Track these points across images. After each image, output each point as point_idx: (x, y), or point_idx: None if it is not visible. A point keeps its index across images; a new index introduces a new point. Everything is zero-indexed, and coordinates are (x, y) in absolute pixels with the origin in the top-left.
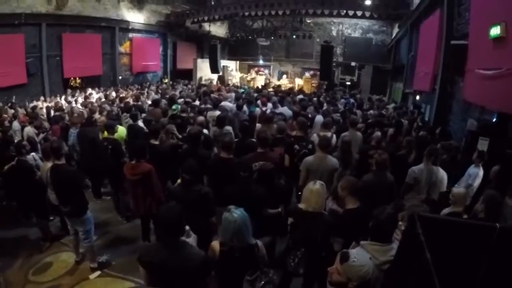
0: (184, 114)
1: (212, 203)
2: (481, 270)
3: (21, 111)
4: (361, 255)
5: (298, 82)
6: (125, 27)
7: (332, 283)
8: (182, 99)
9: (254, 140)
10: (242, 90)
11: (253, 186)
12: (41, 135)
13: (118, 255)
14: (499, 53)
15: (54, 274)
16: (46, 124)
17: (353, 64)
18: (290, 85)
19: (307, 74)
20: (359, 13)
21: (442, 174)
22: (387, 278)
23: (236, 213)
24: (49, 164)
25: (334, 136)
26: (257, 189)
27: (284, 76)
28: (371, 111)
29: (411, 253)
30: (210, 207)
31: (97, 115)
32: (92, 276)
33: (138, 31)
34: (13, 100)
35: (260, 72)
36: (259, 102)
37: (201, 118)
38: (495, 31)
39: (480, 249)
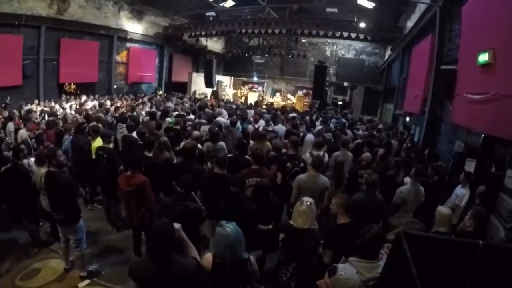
0: (177, 127)
1: (199, 221)
2: (467, 286)
3: (16, 113)
4: (348, 269)
5: (291, 98)
6: (123, 36)
7: None
8: (176, 112)
9: (247, 157)
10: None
11: (245, 201)
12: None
13: (108, 265)
14: (487, 78)
15: (42, 281)
16: (43, 125)
17: (345, 84)
18: (283, 103)
19: (300, 93)
20: (353, 35)
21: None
22: None
23: (229, 227)
24: (43, 170)
25: (326, 155)
26: (248, 205)
27: (278, 94)
28: (360, 132)
29: (398, 268)
30: (196, 225)
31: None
32: (81, 284)
33: (136, 41)
34: (7, 101)
35: (254, 89)
36: (251, 119)
37: (196, 132)
38: (483, 57)
39: (464, 265)
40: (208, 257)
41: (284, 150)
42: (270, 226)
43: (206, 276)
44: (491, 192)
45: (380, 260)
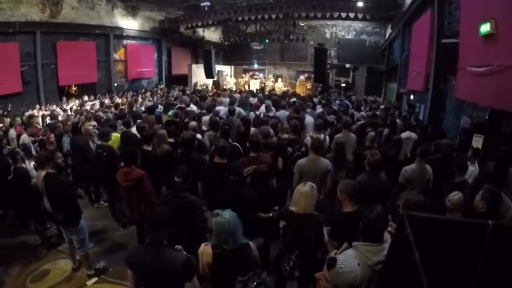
0: (177, 119)
1: (199, 211)
2: (477, 268)
3: (18, 120)
4: (348, 261)
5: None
6: (119, 34)
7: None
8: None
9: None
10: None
11: (244, 190)
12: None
13: (115, 262)
14: (490, 50)
15: (51, 282)
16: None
17: (347, 65)
18: (285, 89)
19: (301, 77)
20: (351, 15)
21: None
22: (380, 279)
23: (226, 215)
24: (44, 173)
25: (327, 137)
26: (248, 193)
27: (280, 79)
28: (363, 113)
29: (401, 254)
30: (197, 215)
31: (93, 123)
32: (89, 282)
33: (133, 37)
34: (9, 109)
35: (255, 76)
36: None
37: (193, 123)
38: (485, 28)
39: (474, 247)
40: (207, 249)
41: (285, 135)
42: (271, 214)
43: (195, 269)
44: (500, 168)
45: (386, 242)
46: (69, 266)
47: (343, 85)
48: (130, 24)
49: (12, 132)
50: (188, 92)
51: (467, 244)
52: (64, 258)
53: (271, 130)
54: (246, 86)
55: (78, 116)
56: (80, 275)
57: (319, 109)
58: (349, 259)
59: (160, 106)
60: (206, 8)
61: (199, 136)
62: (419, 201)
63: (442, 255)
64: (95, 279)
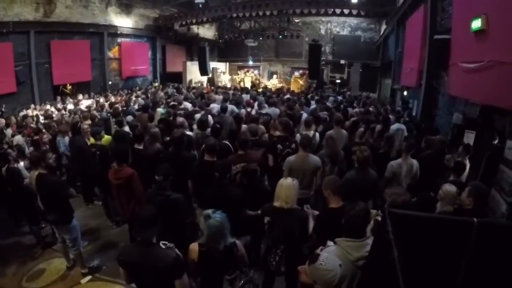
0: (170, 118)
1: (183, 209)
2: (462, 266)
3: (13, 119)
4: (330, 260)
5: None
6: (113, 32)
7: (301, 283)
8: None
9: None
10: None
11: (231, 187)
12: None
13: (109, 260)
14: (481, 45)
15: (47, 280)
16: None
17: (342, 62)
18: (280, 85)
19: (296, 74)
20: (346, 11)
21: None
22: (362, 276)
23: (218, 217)
24: (37, 173)
25: (317, 134)
26: (234, 191)
27: (274, 76)
28: (356, 109)
29: (381, 252)
30: (180, 214)
31: (88, 122)
32: (84, 281)
33: (127, 35)
34: (3, 109)
35: (250, 73)
36: (245, 103)
37: (180, 119)
38: (476, 24)
39: (458, 245)
40: (194, 247)
41: (277, 133)
42: (260, 212)
43: (184, 266)
44: (491, 164)
45: (369, 238)
46: (64, 265)
47: (338, 81)
48: (124, 22)
49: (9, 131)
50: (183, 90)
51: (452, 242)
52: (59, 257)
53: (261, 127)
54: (242, 83)
55: (72, 115)
56: (75, 273)
57: (313, 106)
58: (332, 258)
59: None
60: (200, 5)
61: (189, 132)
62: (405, 202)
63: (426, 253)
64: (89, 277)
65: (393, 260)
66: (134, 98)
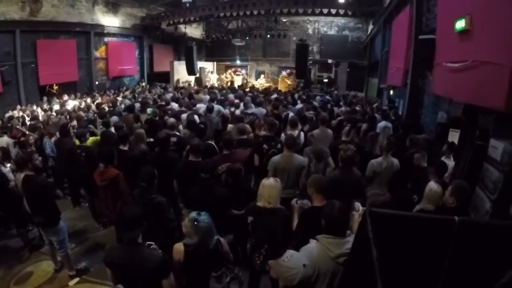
0: (156, 118)
1: (166, 212)
2: (443, 265)
3: None
4: (294, 258)
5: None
6: (100, 31)
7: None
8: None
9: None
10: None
11: (215, 187)
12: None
13: (96, 261)
14: (465, 45)
15: (35, 283)
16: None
17: (330, 61)
18: (267, 85)
19: (284, 73)
20: (333, 11)
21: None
22: (343, 274)
23: (205, 218)
24: (22, 175)
25: (302, 134)
26: (219, 191)
27: (262, 75)
28: (343, 108)
29: (361, 251)
30: (164, 217)
31: (74, 123)
32: (71, 283)
33: (114, 35)
34: None
35: (237, 73)
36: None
37: (171, 120)
38: (460, 24)
39: (439, 244)
40: (179, 247)
41: (263, 133)
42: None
43: (170, 266)
44: (475, 162)
45: (350, 236)
46: (51, 267)
47: (326, 80)
48: (111, 21)
49: None
50: (170, 89)
51: (432, 241)
52: (47, 259)
53: (247, 127)
54: (229, 83)
55: (59, 116)
56: (62, 275)
57: (299, 105)
58: (296, 257)
59: (138, 105)
60: (187, 5)
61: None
62: (384, 202)
63: (406, 253)
64: (76, 279)
65: (372, 259)
66: (121, 99)
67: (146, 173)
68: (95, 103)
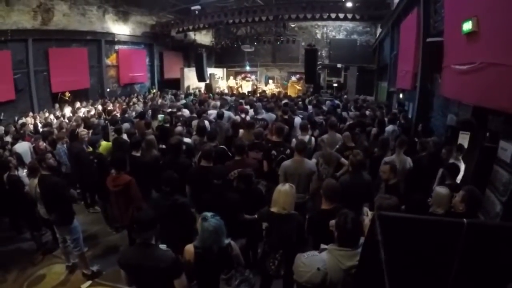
0: (167, 125)
1: (189, 213)
2: (452, 268)
3: (12, 128)
4: (313, 259)
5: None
6: (111, 39)
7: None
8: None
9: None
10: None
11: (228, 193)
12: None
13: (109, 265)
14: (472, 47)
15: (47, 286)
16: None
17: (339, 65)
18: (277, 90)
19: (293, 78)
20: (341, 15)
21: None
22: (354, 280)
23: (213, 221)
24: (36, 180)
25: (313, 139)
26: (231, 196)
27: (271, 81)
28: (351, 113)
29: (371, 254)
30: (187, 217)
31: (81, 129)
32: (84, 286)
33: (124, 42)
34: (1, 117)
35: (247, 78)
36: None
37: (179, 128)
38: (467, 26)
39: (448, 247)
40: (189, 248)
41: (274, 137)
42: (256, 216)
43: (182, 266)
44: (484, 165)
45: (361, 247)
46: (64, 270)
47: (335, 85)
48: (121, 29)
49: (9, 139)
50: (181, 96)
51: (441, 244)
52: (59, 262)
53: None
54: (239, 89)
55: (71, 123)
56: (75, 278)
57: (310, 110)
58: (316, 259)
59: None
60: (196, 12)
61: (188, 140)
62: (390, 205)
63: (414, 256)
64: (89, 282)
65: (381, 263)
66: (132, 105)
67: (169, 178)
68: (106, 110)
